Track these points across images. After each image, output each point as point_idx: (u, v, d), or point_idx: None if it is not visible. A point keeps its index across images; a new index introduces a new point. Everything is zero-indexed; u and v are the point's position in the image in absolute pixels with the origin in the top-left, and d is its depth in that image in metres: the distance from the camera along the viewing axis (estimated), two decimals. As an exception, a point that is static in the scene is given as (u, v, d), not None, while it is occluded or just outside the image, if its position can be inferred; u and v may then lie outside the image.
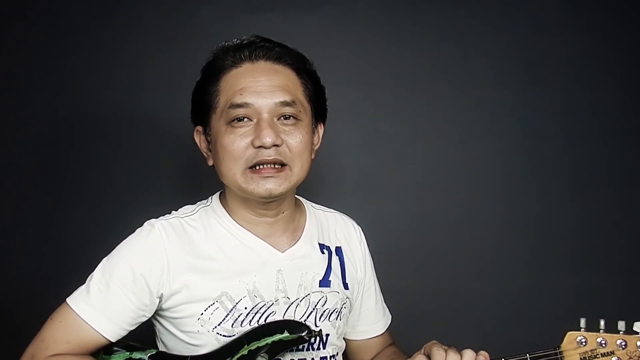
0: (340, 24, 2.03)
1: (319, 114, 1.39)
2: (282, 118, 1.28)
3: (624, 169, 2.02)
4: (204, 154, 1.38)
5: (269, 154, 1.25)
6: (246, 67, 1.30)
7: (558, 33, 2.03)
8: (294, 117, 1.29)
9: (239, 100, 1.26)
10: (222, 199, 1.40)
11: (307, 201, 1.50)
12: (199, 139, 1.39)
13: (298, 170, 1.29)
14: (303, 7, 2.01)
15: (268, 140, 1.24)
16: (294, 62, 1.32)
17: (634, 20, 2.03)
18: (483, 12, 2.03)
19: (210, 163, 1.35)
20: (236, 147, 1.26)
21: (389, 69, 2.04)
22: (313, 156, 1.37)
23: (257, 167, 1.26)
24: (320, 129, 1.41)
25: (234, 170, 1.27)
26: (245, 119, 1.27)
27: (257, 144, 1.24)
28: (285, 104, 1.27)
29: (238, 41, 1.32)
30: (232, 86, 1.28)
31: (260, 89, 1.27)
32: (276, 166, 1.27)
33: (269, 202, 1.32)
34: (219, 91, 1.30)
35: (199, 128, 1.37)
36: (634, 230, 2.01)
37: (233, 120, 1.27)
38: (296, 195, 1.44)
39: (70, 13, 1.99)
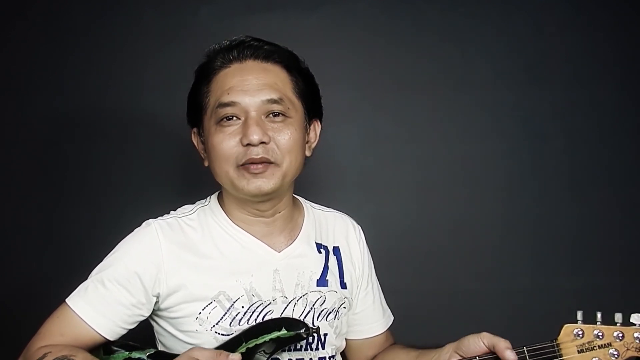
0: (340, 24, 2.03)
1: (313, 111, 1.39)
2: (270, 115, 1.29)
3: (624, 169, 2.02)
4: (201, 155, 1.39)
5: (257, 153, 1.26)
6: (235, 67, 1.31)
7: (558, 33, 2.02)
8: (282, 114, 1.29)
9: (226, 99, 1.28)
10: (220, 199, 1.41)
11: (306, 201, 1.50)
12: (196, 141, 1.40)
13: (287, 166, 1.29)
14: (303, 7, 2.01)
15: (255, 137, 1.24)
16: (283, 59, 1.33)
17: (634, 20, 2.03)
18: (483, 12, 2.03)
19: (207, 164, 1.36)
20: (225, 146, 1.27)
21: (389, 69, 2.03)
22: (309, 154, 1.39)
23: (246, 165, 1.27)
24: (317, 126, 1.41)
25: (225, 169, 1.29)
26: (234, 118, 1.28)
27: (245, 142, 1.25)
28: (272, 101, 1.28)
29: (228, 42, 1.33)
30: (221, 86, 1.30)
31: (248, 87, 1.28)
32: (264, 164, 1.27)
33: (262, 202, 1.32)
34: (210, 92, 1.32)
35: (195, 130, 1.39)
36: (634, 230, 2.01)
37: (222, 120, 1.28)
38: (295, 195, 1.44)
39: (70, 13, 1.99)
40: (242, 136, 1.26)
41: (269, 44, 1.33)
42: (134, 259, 1.28)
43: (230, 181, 1.29)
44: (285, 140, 1.29)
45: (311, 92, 1.38)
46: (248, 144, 1.25)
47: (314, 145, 1.40)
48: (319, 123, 1.42)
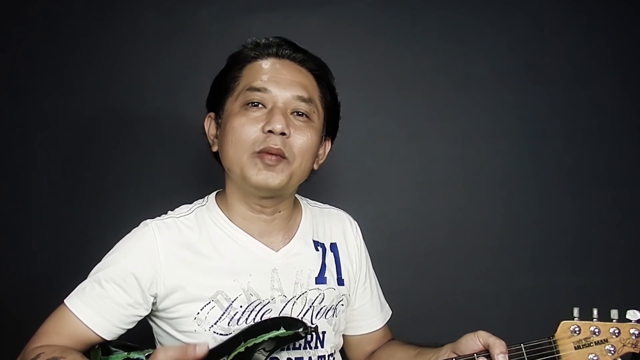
0: (341, 24, 2.03)
1: (330, 127, 1.42)
2: (295, 113, 1.31)
3: (624, 169, 2.02)
4: (210, 141, 1.40)
5: (275, 143, 1.26)
6: (271, 60, 1.34)
7: (558, 32, 2.03)
8: (306, 116, 1.32)
9: (259, 84, 1.30)
10: (219, 199, 1.41)
11: (303, 198, 1.51)
12: (208, 126, 1.40)
13: (297, 166, 1.30)
14: (303, 7, 2.02)
15: (278, 127, 1.26)
16: (317, 69, 1.37)
17: (634, 20, 2.03)
18: (483, 12, 2.03)
19: (215, 149, 1.37)
20: (246, 129, 1.28)
21: (389, 69, 2.03)
22: (316, 167, 1.40)
23: (262, 153, 1.27)
24: (328, 145, 1.44)
25: (240, 153, 1.29)
26: (260, 105, 1.30)
27: (267, 128, 1.26)
28: (302, 99, 1.31)
29: (265, 40, 1.36)
30: (255, 72, 1.32)
31: (281, 80, 1.31)
32: (278, 157, 1.28)
33: (265, 198, 1.33)
34: (240, 77, 1.34)
35: (211, 114, 1.40)
36: (634, 230, 2.01)
37: (248, 104, 1.30)
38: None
39: (70, 13, 1.99)
40: (265, 123, 1.27)
41: (306, 51, 1.37)
42: (131, 260, 1.29)
43: (241, 168, 1.29)
44: (303, 141, 1.30)
45: (333, 109, 1.41)
46: (270, 131, 1.26)
47: (321, 161, 1.42)
48: (330, 143, 1.44)
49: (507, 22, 2.04)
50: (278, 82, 1.30)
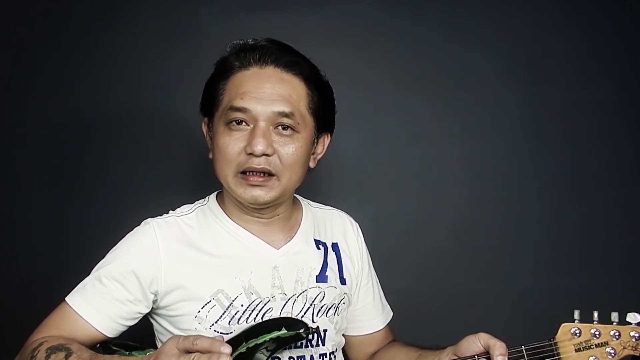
0: (341, 24, 2.03)
1: (325, 125, 1.39)
2: (279, 127, 1.29)
3: (624, 169, 2.02)
4: (208, 145, 1.39)
5: (258, 163, 1.26)
6: (253, 71, 1.30)
7: (558, 32, 2.03)
8: (291, 128, 1.30)
9: (238, 104, 1.28)
10: (219, 198, 1.42)
11: (304, 199, 1.51)
12: (205, 131, 1.40)
13: (286, 181, 1.30)
14: (303, 7, 2.01)
15: (259, 148, 1.25)
16: (304, 72, 1.33)
17: (634, 20, 2.03)
18: (483, 12, 2.03)
19: (211, 156, 1.37)
20: (230, 150, 1.28)
21: (389, 69, 2.03)
22: (313, 165, 1.40)
23: (247, 174, 1.28)
24: (326, 140, 1.42)
25: (225, 172, 1.30)
26: (243, 123, 1.29)
27: (248, 150, 1.26)
28: (283, 114, 1.28)
29: (252, 42, 1.33)
30: (236, 87, 1.30)
31: (262, 95, 1.28)
32: (265, 175, 1.28)
33: (260, 208, 1.33)
34: (225, 90, 1.32)
35: (206, 120, 1.39)
36: (634, 230, 2.01)
37: (231, 122, 1.29)
38: (294, 194, 1.45)
39: (70, 13, 1.99)
40: (247, 144, 1.27)
41: (292, 53, 1.33)
42: (131, 258, 1.29)
43: (228, 184, 1.31)
44: (289, 155, 1.29)
45: (326, 108, 1.38)
46: (251, 153, 1.26)
47: (319, 157, 1.41)
48: (329, 136, 1.43)
49: (507, 22, 2.04)
50: (259, 99, 1.27)
